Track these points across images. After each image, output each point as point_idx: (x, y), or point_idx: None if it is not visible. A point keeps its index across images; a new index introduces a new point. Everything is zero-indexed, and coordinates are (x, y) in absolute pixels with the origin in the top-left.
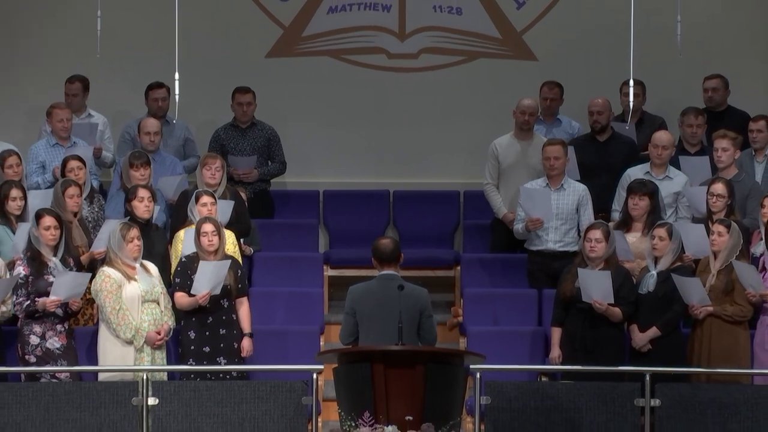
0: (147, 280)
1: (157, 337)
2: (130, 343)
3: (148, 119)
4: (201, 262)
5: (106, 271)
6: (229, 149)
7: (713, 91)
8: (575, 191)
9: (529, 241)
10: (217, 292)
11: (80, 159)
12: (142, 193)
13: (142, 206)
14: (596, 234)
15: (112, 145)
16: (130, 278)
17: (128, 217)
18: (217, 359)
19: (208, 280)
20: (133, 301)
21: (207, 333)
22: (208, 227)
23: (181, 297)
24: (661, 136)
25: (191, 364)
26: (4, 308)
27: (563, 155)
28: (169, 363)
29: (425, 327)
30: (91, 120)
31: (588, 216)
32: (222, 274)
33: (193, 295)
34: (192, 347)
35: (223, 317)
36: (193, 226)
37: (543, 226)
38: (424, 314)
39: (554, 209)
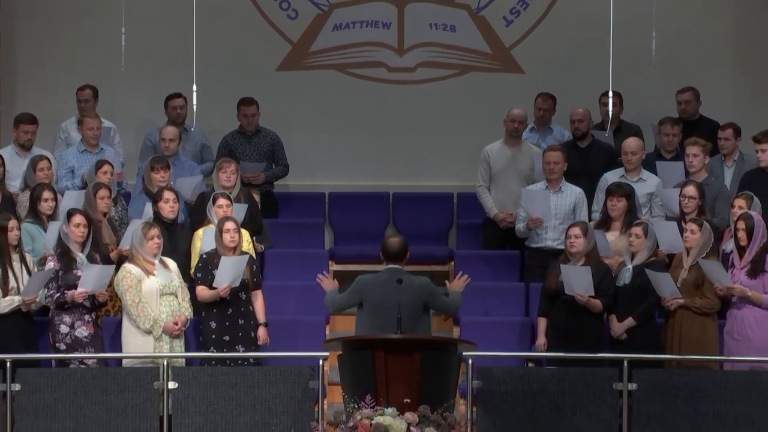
0: (165, 274)
1: (174, 328)
2: (149, 333)
3: (167, 127)
4: (222, 258)
5: (127, 267)
6: (237, 154)
7: (686, 103)
8: (572, 193)
9: (530, 238)
10: (237, 284)
11: (111, 164)
12: (168, 195)
13: (168, 207)
14: (576, 231)
15: (122, 149)
16: (149, 273)
17: (153, 217)
18: (236, 347)
19: (228, 273)
20: (151, 295)
21: (227, 323)
22: (230, 225)
23: (202, 290)
24: (630, 143)
25: (212, 352)
26: (37, 299)
27: (562, 161)
28: (189, 350)
29: (442, 306)
30: (104, 126)
31: (583, 216)
32: (241, 268)
33: (215, 288)
34: (213, 336)
35: (241, 308)
36: (211, 226)
37: (543, 225)
38: (433, 298)
39: (553, 210)
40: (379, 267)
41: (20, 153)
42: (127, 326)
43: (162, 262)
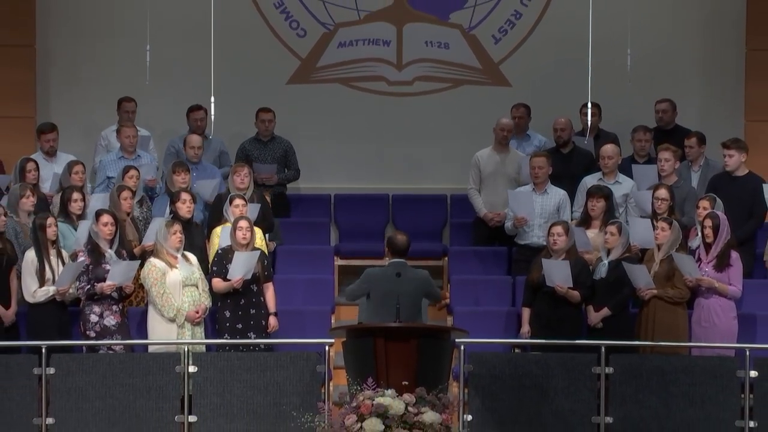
0: (187, 267)
1: (195, 316)
2: (173, 321)
3: (192, 136)
4: (236, 252)
5: (153, 261)
6: (253, 158)
7: (663, 112)
8: (557, 195)
9: (518, 236)
10: (249, 277)
11: (137, 169)
12: (185, 196)
13: (185, 207)
14: (558, 230)
15: (157, 153)
16: (172, 266)
17: (172, 215)
18: (248, 334)
19: (241, 267)
20: (175, 286)
21: (240, 312)
22: (243, 224)
23: (218, 282)
24: (606, 149)
25: (227, 338)
26: (71, 290)
27: (546, 165)
28: (206, 337)
29: (437, 296)
30: (141, 134)
31: (566, 216)
32: (253, 263)
33: (229, 280)
34: (227, 324)
35: (253, 299)
36: (228, 224)
37: (527, 223)
38: (432, 289)
39: (538, 210)
40: (380, 262)
41: (47, 158)
42: (152, 315)
43: (184, 256)
